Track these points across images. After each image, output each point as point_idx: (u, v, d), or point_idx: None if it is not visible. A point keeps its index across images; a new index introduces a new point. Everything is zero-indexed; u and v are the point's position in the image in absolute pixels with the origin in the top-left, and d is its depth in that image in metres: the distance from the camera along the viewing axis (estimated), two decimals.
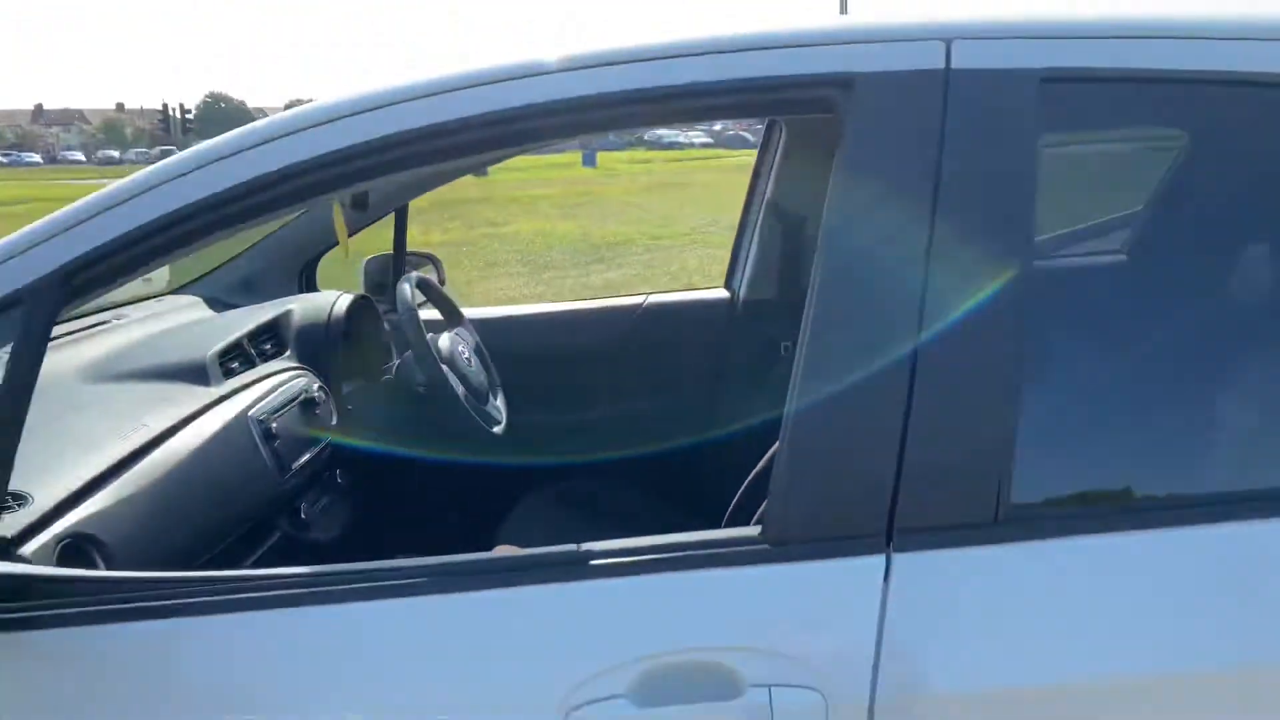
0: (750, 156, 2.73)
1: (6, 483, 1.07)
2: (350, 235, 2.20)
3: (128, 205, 1.10)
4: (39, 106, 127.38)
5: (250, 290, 2.49)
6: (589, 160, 38.77)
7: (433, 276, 2.51)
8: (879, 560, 1.00)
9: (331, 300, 2.27)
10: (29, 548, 1.21)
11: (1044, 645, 1.00)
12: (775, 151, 2.45)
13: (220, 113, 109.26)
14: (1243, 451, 1.12)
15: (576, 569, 1.04)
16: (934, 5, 1.23)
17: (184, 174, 1.11)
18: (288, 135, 1.10)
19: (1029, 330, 1.04)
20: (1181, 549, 1.02)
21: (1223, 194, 1.21)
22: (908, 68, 1.08)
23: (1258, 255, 1.20)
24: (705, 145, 53.55)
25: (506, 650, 1.02)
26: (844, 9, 18.09)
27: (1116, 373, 1.14)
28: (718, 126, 64.28)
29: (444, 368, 2.11)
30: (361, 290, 2.51)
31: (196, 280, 2.50)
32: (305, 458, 1.91)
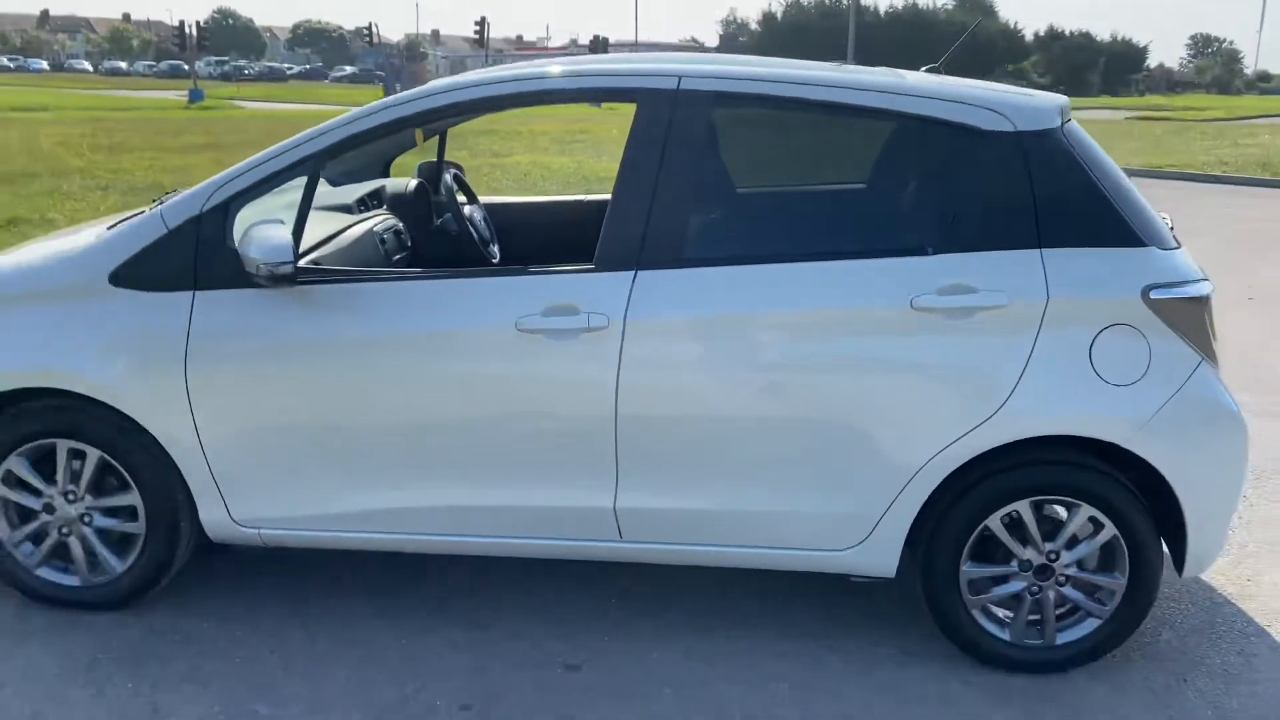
0: None
1: (301, 236, 2.81)
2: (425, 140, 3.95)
3: (358, 121, 2.82)
4: (45, 13, 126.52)
5: (351, 176, 4.24)
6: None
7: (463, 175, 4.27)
8: (631, 273, 2.75)
9: (406, 182, 4.04)
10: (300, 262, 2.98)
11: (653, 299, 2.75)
12: None
13: (228, 29, 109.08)
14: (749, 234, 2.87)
15: (522, 271, 2.79)
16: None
17: (396, 104, 2.82)
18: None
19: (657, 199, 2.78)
20: (745, 275, 2.76)
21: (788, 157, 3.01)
22: (662, 88, 2.80)
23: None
24: None
25: (493, 300, 2.76)
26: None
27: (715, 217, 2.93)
28: None
29: (468, 224, 3.87)
30: (418, 179, 4.27)
31: None
32: (396, 257, 3.67)
